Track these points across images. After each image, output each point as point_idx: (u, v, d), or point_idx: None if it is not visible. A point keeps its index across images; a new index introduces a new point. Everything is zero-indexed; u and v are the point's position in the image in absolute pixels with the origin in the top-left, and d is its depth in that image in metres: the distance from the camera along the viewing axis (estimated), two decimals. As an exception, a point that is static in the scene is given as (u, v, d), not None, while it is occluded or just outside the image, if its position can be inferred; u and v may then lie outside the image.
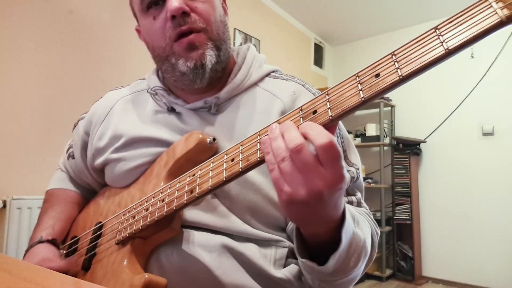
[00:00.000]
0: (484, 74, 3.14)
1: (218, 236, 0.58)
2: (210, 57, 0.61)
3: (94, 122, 0.75)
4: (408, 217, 3.23)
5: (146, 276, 0.51)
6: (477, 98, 3.17)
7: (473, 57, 3.18)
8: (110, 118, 0.73)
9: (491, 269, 2.97)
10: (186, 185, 0.52)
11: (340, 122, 0.66)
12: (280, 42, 3.37)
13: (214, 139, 0.60)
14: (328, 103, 0.40)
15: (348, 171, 0.63)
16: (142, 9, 0.64)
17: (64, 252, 0.71)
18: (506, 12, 0.30)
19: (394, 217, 3.30)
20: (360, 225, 0.51)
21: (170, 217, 0.55)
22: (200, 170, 0.52)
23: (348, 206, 0.52)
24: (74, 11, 1.88)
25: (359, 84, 0.38)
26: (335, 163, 0.37)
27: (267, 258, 0.58)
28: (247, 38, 2.93)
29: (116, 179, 0.69)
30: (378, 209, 3.23)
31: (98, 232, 0.67)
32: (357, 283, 3.04)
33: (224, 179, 0.46)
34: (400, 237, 3.31)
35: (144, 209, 0.58)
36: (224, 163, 0.47)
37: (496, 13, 0.31)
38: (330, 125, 0.40)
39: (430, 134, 3.38)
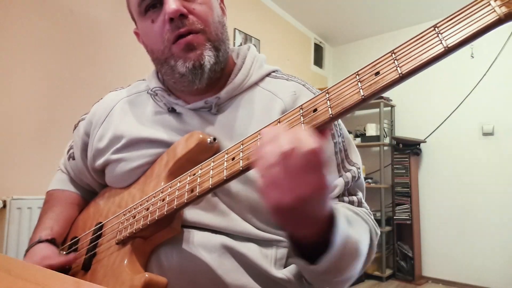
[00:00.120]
0: (484, 74, 3.14)
1: (219, 236, 0.58)
2: (208, 57, 0.61)
3: (94, 123, 0.75)
4: (408, 217, 3.23)
5: (147, 275, 0.51)
6: (477, 98, 3.17)
7: (473, 57, 3.18)
8: (110, 119, 0.73)
9: (491, 269, 2.97)
10: (187, 184, 0.52)
11: (340, 121, 0.66)
12: (280, 42, 3.37)
13: (214, 139, 0.60)
14: (328, 101, 0.40)
15: (349, 170, 0.63)
16: (140, 12, 0.64)
17: (64, 252, 0.71)
18: (504, 9, 0.31)
19: (394, 217, 3.30)
20: (354, 226, 0.51)
21: (171, 216, 0.55)
22: (200, 169, 0.52)
23: (341, 208, 0.53)
24: (75, 11, 1.88)
25: (359, 82, 0.38)
26: (320, 169, 0.38)
27: (267, 258, 0.58)
28: (247, 38, 2.93)
29: (117, 180, 0.69)
30: (378, 209, 3.23)
31: (99, 232, 0.67)
32: (357, 283, 3.01)
33: (225, 178, 0.46)
34: (400, 237, 3.31)
35: (145, 209, 0.58)
36: (225, 162, 0.47)
37: (495, 10, 0.31)
38: (323, 128, 0.41)
39: (430, 134, 3.38)
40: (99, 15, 1.99)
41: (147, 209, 0.57)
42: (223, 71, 0.67)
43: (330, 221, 0.44)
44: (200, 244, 0.57)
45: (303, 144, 0.37)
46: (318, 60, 3.97)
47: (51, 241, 0.70)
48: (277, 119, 0.44)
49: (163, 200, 0.55)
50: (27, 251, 0.69)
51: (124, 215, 0.62)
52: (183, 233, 0.58)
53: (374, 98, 0.38)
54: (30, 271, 0.43)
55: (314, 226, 0.43)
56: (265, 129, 0.43)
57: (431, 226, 3.32)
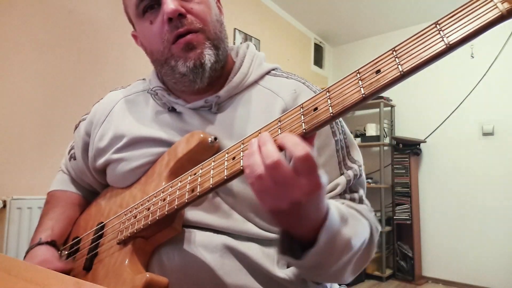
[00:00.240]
0: (484, 74, 3.14)
1: (220, 236, 0.58)
2: (208, 56, 0.61)
3: (95, 123, 0.75)
4: (408, 217, 3.23)
5: (148, 275, 0.51)
6: (477, 98, 3.17)
7: (473, 57, 3.18)
8: (110, 118, 0.73)
9: (491, 269, 2.97)
10: (188, 184, 0.52)
11: (341, 119, 0.66)
12: (280, 42, 3.37)
13: (215, 139, 0.60)
14: (329, 100, 0.40)
15: (351, 168, 0.63)
16: (138, 14, 0.64)
17: (66, 252, 0.71)
18: (506, 6, 0.30)
19: (394, 217, 3.30)
20: (349, 223, 0.51)
21: (172, 216, 0.55)
22: (201, 169, 0.52)
23: (337, 205, 0.53)
24: (74, 11, 1.88)
25: (360, 81, 0.38)
26: (312, 173, 0.39)
27: (270, 258, 0.58)
28: (247, 38, 2.93)
29: (118, 179, 0.69)
30: (378, 209, 3.23)
31: (100, 232, 0.67)
32: (357, 283, 3.00)
33: (225, 177, 0.46)
34: (400, 237, 3.31)
35: (146, 209, 0.57)
36: (225, 162, 0.47)
37: (497, 7, 0.31)
38: (309, 136, 0.41)
39: (430, 134, 3.38)
40: (99, 15, 1.99)
41: (148, 209, 0.57)
42: (223, 70, 0.67)
43: (324, 220, 0.45)
44: (201, 244, 0.57)
45: (295, 149, 0.38)
46: (318, 60, 3.97)
47: (52, 243, 0.69)
48: (277, 118, 0.44)
49: (164, 200, 0.55)
50: (27, 252, 0.69)
51: (125, 215, 0.62)
52: (184, 233, 0.58)
53: (375, 96, 0.38)
54: (30, 271, 0.42)
55: (309, 226, 0.44)
56: (252, 139, 0.44)
57: (431, 226, 3.32)
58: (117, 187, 0.71)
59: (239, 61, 0.69)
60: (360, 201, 0.64)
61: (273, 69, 0.72)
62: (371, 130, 3.44)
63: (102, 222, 0.68)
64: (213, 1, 0.67)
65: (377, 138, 3.38)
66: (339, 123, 0.66)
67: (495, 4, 0.31)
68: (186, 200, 0.51)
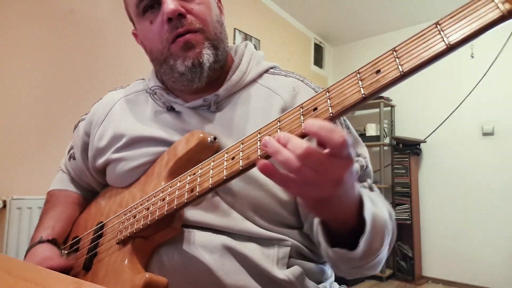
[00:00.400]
0: (484, 74, 3.14)
1: (220, 236, 0.58)
2: (207, 55, 0.61)
3: (94, 122, 0.75)
4: (408, 217, 3.23)
5: (147, 275, 0.51)
6: (477, 98, 3.17)
7: (473, 57, 3.18)
8: (110, 118, 0.73)
9: (491, 269, 2.97)
10: (187, 184, 0.52)
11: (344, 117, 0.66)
12: (280, 42, 3.37)
13: (215, 138, 0.60)
14: (328, 100, 0.40)
15: (357, 161, 0.63)
16: (138, 13, 0.64)
17: (66, 252, 0.71)
18: (507, 6, 0.30)
19: (394, 217, 3.29)
20: (378, 205, 0.52)
21: (171, 216, 0.55)
22: (200, 169, 0.52)
23: (363, 189, 0.53)
24: (75, 10, 1.88)
25: (360, 81, 0.38)
26: (347, 149, 0.37)
27: (269, 258, 0.58)
28: (247, 38, 2.93)
29: (117, 179, 0.69)
30: (378, 209, 3.23)
31: (99, 232, 0.67)
32: (357, 283, 2.99)
33: (225, 177, 0.46)
34: (400, 237, 3.31)
35: (145, 209, 0.58)
36: (225, 162, 0.47)
37: (498, 7, 0.31)
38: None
39: (430, 134, 3.38)
40: (99, 15, 1.99)
41: (148, 208, 0.57)
42: (222, 70, 0.67)
43: (360, 202, 0.45)
44: (201, 245, 0.57)
45: (328, 133, 0.37)
46: (318, 60, 3.96)
47: (52, 242, 0.70)
48: (277, 118, 0.44)
49: (163, 200, 0.55)
50: (28, 251, 0.69)
51: (124, 214, 0.62)
52: (184, 233, 0.58)
53: (376, 96, 0.38)
54: (30, 271, 0.43)
55: (350, 209, 0.44)
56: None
57: (431, 226, 3.31)
58: (117, 187, 0.71)
59: (237, 60, 0.70)
60: (370, 189, 0.64)
61: (272, 68, 0.72)
62: (371, 130, 3.44)
63: (102, 222, 0.68)
64: (213, 1, 0.67)
65: (377, 138, 3.38)
66: (341, 119, 0.66)
67: (496, 5, 0.31)
68: (186, 200, 0.51)
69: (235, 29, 2.81)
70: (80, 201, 0.82)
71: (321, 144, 0.38)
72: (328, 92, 0.40)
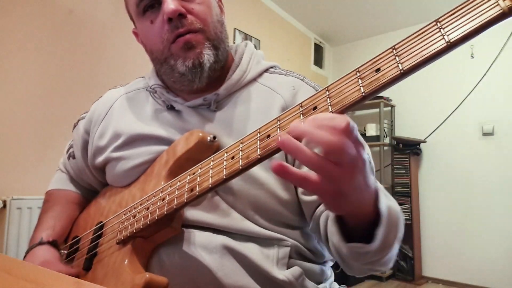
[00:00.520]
0: (484, 74, 3.14)
1: (219, 236, 0.58)
2: (208, 56, 0.61)
3: (94, 121, 0.75)
4: (408, 217, 3.22)
5: (147, 275, 0.51)
6: (477, 98, 3.17)
7: (473, 57, 3.18)
8: (110, 116, 0.73)
9: (491, 269, 2.97)
10: (187, 184, 0.52)
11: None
12: (280, 42, 3.37)
13: (214, 138, 0.60)
14: (328, 98, 0.40)
15: None
16: (138, 12, 0.64)
17: (66, 252, 0.71)
18: (508, 3, 0.30)
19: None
20: (389, 197, 0.51)
21: (171, 216, 0.55)
22: (200, 168, 0.52)
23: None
24: (74, 11, 1.88)
25: (359, 79, 0.38)
26: (354, 132, 0.36)
27: (269, 259, 0.58)
28: (247, 38, 2.93)
29: (117, 178, 0.69)
30: (378, 209, 3.23)
31: (99, 232, 0.67)
32: (357, 283, 2.99)
33: (224, 177, 0.46)
34: (400, 237, 3.30)
35: (145, 208, 0.57)
36: (224, 161, 0.47)
37: (498, 4, 0.30)
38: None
39: (430, 134, 3.38)
40: (99, 15, 1.99)
41: (147, 208, 0.57)
42: (222, 69, 0.67)
43: (375, 194, 0.44)
44: (201, 245, 0.57)
45: (337, 122, 0.35)
46: (318, 60, 3.96)
47: (52, 243, 0.69)
48: (277, 117, 0.44)
49: (163, 199, 0.55)
50: (27, 252, 0.68)
51: (124, 214, 0.62)
52: (183, 233, 0.58)
53: (375, 95, 0.37)
54: (30, 271, 0.43)
55: (367, 201, 0.42)
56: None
57: (431, 226, 3.31)
58: (116, 186, 0.71)
59: (237, 59, 0.70)
60: None
61: (272, 67, 0.72)
62: (371, 130, 3.44)
63: (102, 222, 0.68)
64: (214, 1, 0.67)
65: (377, 138, 3.38)
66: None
67: (497, 1, 0.30)
68: (185, 200, 0.51)
69: (235, 29, 2.81)
70: (79, 201, 0.82)
71: None
72: (328, 90, 0.40)
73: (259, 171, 0.59)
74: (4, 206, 1.57)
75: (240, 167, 0.45)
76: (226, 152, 0.48)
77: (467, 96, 3.21)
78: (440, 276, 3.22)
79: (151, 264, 0.58)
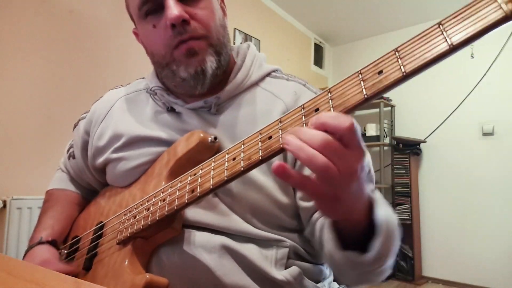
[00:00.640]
0: (484, 74, 3.14)
1: (218, 236, 0.58)
2: (210, 63, 0.61)
3: (94, 121, 0.75)
4: (408, 217, 3.23)
5: (147, 276, 0.51)
6: (477, 98, 3.17)
7: (473, 57, 3.18)
8: (109, 117, 0.73)
9: (491, 269, 2.97)
10: (187, 185, 0.52)
11: None
12: (280, 42, 3.37)
13: (215, 138, 0.60)
14: (330, 100, 0.39)
15: None
16: (140, 15, 0.63)
17: (65, 252, 0.71)
18: (510, 6, 0.30)
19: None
20: (388, 209, 0.50)
21: (172, 217, 0.55)
22: (201, 169, 0.51)
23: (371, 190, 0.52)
24: (74, 11, 1.88)
25: (362, 81, 0.37)
26: (359, 140, 0.36)
27: (268, 259, 0.58)
28: (247, 38, 2.93)
29: (117, 179, 0.69)
30: (378, 209, 3.23)
31: (99, 232, 0.67)
32: (357, 283, 2.98)
33: (226, 178, 0.46)
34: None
35: (145, 209, 0.57)
36: (226, 162, 0.47)
37: (501, 7, 0.30)
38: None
39: (430, 134, 3.38)
40: (99, 15, 1.99)
41: (148, 209, 0.57)
42: (224, 72, 0.67)
43: (369, 202, 0.44)
44: (200, 245, 0.57)
45: (340, 122, 0.35)
46: (318, 60, 3.96)
47: (52, 243, 0.69)
48: (278, 119, 0.44)
49: (164, 200, 0.55)
50: (27, 251, 0.68)
51: (124, 215, 0.62)
52: (183, 233, 0.58)
53: (378, 97, 0.37)
54: (30, 271, 0.43)
55: (362, 207, 0.43)
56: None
57: (431, 226, 3.31)
58: (117, 186, 0.71)
59: (239, 62, 0.69)
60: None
61: (274, 71, 0.72)
62: (371, 130, 3.44)
63: (102, 222, 0.68)
64: (216, 4, 0.66)
65: (377, 138, 3.38)
66: None
67: (499, 5, 0.30)
68: (186, 201, 0.51)
69: (235, 29, 2.81)
70: (79, 201, 0.82)
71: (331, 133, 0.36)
72: (330, 92, 0.40)
73: (259, 175, 0.59)
74: (4, 206, 1.57)
75: (242, 169, 0.44)
76: (228, 154, 0.48)
77: (467, 96, 3.21)
78: (440, 276, 3.22)
79: (150, 264, 0.58)
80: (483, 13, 0.31)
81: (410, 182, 3.26)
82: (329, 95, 0.40)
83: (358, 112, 3.78)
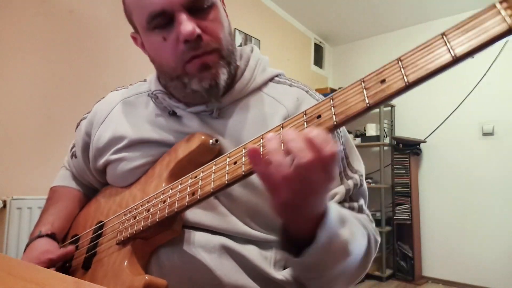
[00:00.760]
0: (484, 74, 3.14)
1: (218, 236, 0.58)
2: (223, 75, 0.60)
3: (95, 123, 0.75)
4: (408, 217, 3.23)
5: (147, 277, 0.51)
6: (477, 98, 3.17)
7: (473, 57, 3.17)
8: (110, 119, 0.73)
9: (491, 269, 2.97)
10: (188, 187, 0.52)
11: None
12: (280, 42, 3.37)
13: (216, 141, 0.60)
14: (333, 108, 0.40)
15: (351, 178, 0.63)
16: (147, 28, 0.60)
17: (65, 249, 0.71)
18: None
19: (394, 217, 3.30)
20: (348, 227, 0.51)
21: (172, 218, 0.55)
22: (202, 172, 0.51)
23: (339, 207, 0.53)
24: (74, 11, 1.88)
25: (364, 90, 0.38)
26: (334, 167, 0.40)
27: (267, 260, 0.58)
28: (247, 38, 2.93)
29: (118, 179, 0.69)
30: (378, 209, 3.23)
31: (99, 232, 0.67)
32: (357, 283, 3.01)
33: (227, 182, 0.46)
34: (400, 237, 3.31)
35: (146, 210, 0.57)
36: (227, 166, 0.47)
37: (505, 21, 0.30)
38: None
39: (430, 134, 3.38)
40: (99, 15, 1.99)
41: (148, 210, 0.57)
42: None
43: (322, 216, 0.46)
44: (199, 245, 0.57)
45: (321, 149, 0.38)
46: (318, 60, 3.96)
47: (51, 236, 0.70)
48: (280, 125, 0.44)
49: (164, 202, 0.55)
50: (27, 245, 0.69)
51: (124, 215, 0.62)
52: (183, 233, 0.58)
53: (380, 106, 0.38)
54: (30, 271, 0.43)
55: (311, 220, 0.45)
56: (252, 144, 0.44)
57: (431, 226, 3.32)
58: (117, 186, 0.72)
59: (243, 66, 0.68)
60: (360, 210, 0.63)
61: (277, 75, 0.71)
62: (371, 130, 3.44)
63: (102, 221, 0.68)
64: (223, 11, 0.64)
65: (377, 138, 3.38)
66: (340, 132, 0.65)
67: (503, 18, 0.30)
68: (187, 203, 0.51)
69: (235, 29, 2.81)
70: (81, 199, 0.82)
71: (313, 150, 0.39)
72: (332, 100, 0.40)
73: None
74: (4, 206, 1.57)
75: (243, 173, 0.44)
76: (229, 157, 0.48)
77: (467, 96, 3.21)
78: (440, 276, 3.22)
79: (149, 264, 0.58)
80: (487, 25, 0.31)
81: (410, 182, 3.27)
82: (332, 102, 0.40)
83: (358, 112, 3.78)
